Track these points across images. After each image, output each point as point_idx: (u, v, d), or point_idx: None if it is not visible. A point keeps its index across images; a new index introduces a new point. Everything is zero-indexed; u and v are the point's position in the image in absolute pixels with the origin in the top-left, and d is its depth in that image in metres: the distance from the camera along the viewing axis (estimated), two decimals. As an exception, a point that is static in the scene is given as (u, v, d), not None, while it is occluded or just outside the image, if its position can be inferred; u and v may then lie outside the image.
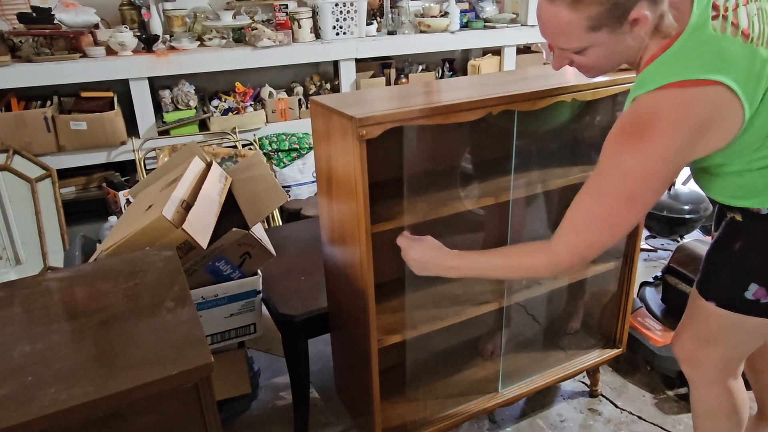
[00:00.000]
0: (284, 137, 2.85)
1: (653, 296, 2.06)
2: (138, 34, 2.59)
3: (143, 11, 2.63)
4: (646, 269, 2.60)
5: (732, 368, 1.27)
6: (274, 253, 1.54)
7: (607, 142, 1.01)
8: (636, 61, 1.05)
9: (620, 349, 1.80)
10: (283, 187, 2.86)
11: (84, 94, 2.55)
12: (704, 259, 1.22)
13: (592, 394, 1.87)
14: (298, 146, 2.87)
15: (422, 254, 1.22)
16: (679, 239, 2.72)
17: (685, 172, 3.10)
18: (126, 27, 2.58)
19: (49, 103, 2.52)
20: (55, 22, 2.43)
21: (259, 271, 1.56)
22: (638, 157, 0.97)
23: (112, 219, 2.54)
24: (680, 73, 0.94)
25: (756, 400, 1.52)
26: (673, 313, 1.96)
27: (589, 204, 1.04)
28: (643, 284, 2.15)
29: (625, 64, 1.08)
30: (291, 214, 2.74)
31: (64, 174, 2.59)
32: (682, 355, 1.31)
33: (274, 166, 2.85)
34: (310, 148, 2.86)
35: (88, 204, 2.68)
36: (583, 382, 1.93)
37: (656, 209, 2.60)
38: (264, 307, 1.63)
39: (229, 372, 1.63)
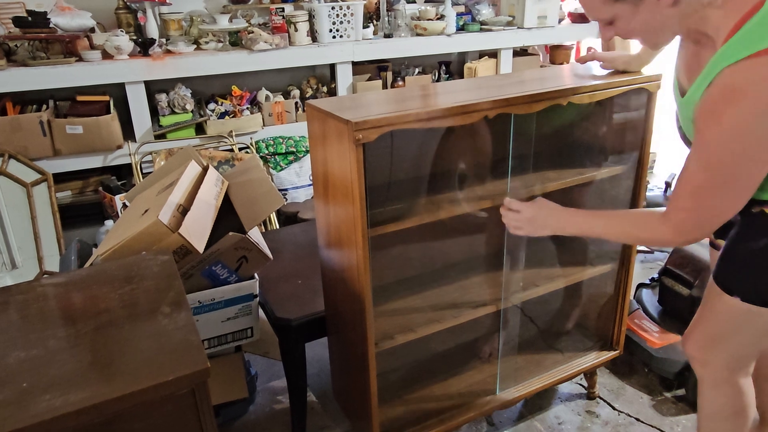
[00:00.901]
0: (281, 140, 2.85)
1: (650, 298, 2.07)
2: (134, 37, 2.59)
3: (139, 15, 2.63)
4: (643, 271, 2.61)
5: (744, 366, 1.27)
6: (270, 256, 1.54)
7: (697, 117, 1.01)
8: (703, 32, 1.03)
9: (617, 351, 1.80)
10: (280, 190, 2.85)
11: (80, 98, 2.55)
12: (725, 255, 1.19)
13: (590, 396, 1.87)
14: (294, 149, 2.86)
15: (539, 211, 1.29)
16: (675, 241, 2.73)
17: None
18: (122, 31, 2.58)
19: (44, 107, 2.51)
20: (51, 26, 2.42)
21: (255, 275, 1.56)
22: (725, 132, 0.96)
23: (109, 223, 2.53)
24: None
25: (757, 408, 1.52)
26: (669, 314, 1.96)
27: (689, 177, 1.04)
28: (640, 286, 2.15)
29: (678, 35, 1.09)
30: (288, 218, 2.73)
31: (60, 178, 2.58)
32: (695, 353, 1.29)
33: (270, 170, 2.85)
34: (307, 152, 2.86)
35: (84, 208, 2.67)
36: (580, 384, 1.93)
37: (653, 211, 2.61)
38: (261, 311, 1.62)
39: (226, 376, 1.63)
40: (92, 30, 2.59)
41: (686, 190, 1.05)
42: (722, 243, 1.30)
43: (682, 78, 1.15)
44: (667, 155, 3.65)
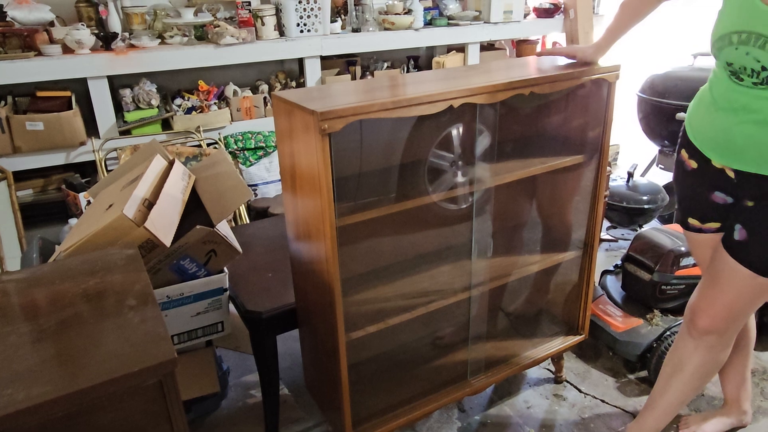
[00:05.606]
0: (250, 136, 2.83)
1: (614, 284, 2.13)
2: (96, 31, 2.53)
3: (101, 8, 2.57)
4: (607, 259, 2.68)
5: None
6: (240, 250, 1.53)
7: None
8: None
9: (582, 336, 1.85)
10: (250, 185, 2.83)
11: (40, 94, 2.48)
12: (759, 240, 1.25)
13: (557, 380, 1.92)
14: (264, 144, 2.84)
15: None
16: (638, 229, 2.81)
17: (642, 165, 3.16)
18: (83, 24, 2.51)
19: (2, 103, 2.44)
20: (8, 19, 2.35)
21: (225, 269, 1.55)
22: None
23: (73, 221, 2.47)
24: None
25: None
26: (632, 299, 2.03)
27: None
28: (604, 273, 2.22)
29: None
30: (259, 213, 2.72)
31: (21, 176, 2.51)
32: (717, 326, 1.38)
33: (240, 165, 2.82)
34: (276, 147, 2.84)
35: (47, 207, 2.59)
36: (548, 369, 1.98)
37: (616, 200, 2.68)
38: (231, 306, 1.61)
39: (197, 371, 1.61)
40: (51, 24, 2.52)
41: None
42: (713, 225, 1.38)
43: None
44: (630, 148, 3.75)
